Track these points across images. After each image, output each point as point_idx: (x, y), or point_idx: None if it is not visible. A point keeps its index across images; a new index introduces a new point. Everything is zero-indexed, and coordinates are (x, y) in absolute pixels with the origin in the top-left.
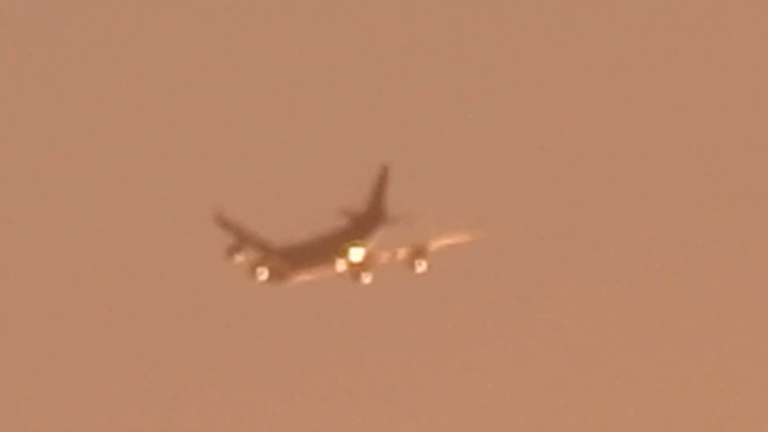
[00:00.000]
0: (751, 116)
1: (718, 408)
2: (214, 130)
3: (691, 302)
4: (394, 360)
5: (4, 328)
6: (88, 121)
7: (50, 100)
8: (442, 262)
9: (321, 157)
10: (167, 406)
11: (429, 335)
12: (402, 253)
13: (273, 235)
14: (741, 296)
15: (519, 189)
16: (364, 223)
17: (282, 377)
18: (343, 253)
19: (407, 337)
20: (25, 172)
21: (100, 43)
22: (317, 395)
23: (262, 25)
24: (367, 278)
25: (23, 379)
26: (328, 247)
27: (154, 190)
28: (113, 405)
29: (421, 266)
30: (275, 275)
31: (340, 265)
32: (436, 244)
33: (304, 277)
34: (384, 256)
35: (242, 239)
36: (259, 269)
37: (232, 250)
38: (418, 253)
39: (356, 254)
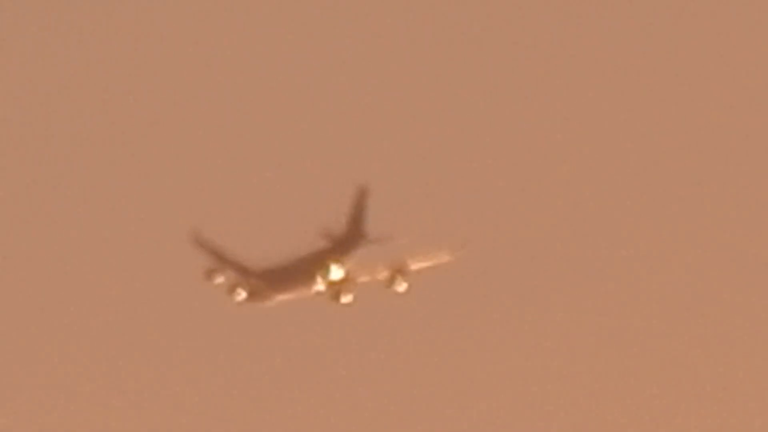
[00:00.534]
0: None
1: (710, 406)
2: (190, 151)
3: (679, 322)
4: (374, 379)
5: None
6: (63, 139)
7: (22, 115)
8: (423, 281)
9: (300, 177)
10: (145, 427)
11: (409, 354)
12: (382, 272)
13: (251, 255)
14: (723, 310)
15: (500, 209)
16: (344, 243)
17: (262, 397)
18: (323, 273)
19: (387, 357)
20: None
21: (72, 59)
22: (297, 415)
23: (238, 46)
24: (346, 298)
25: None
26: (307, 267)
27: (131, 212)
28: (90, 428)
29: (402, 286)
30: (254, 295)
31: (320, 285)
32: (416, 264)
33: (283, 297)
34: (364, 276)
35: (220, 260)
36: (238, 290)
37: (210, 272)
38: (398, 272)
39: (335, 273)
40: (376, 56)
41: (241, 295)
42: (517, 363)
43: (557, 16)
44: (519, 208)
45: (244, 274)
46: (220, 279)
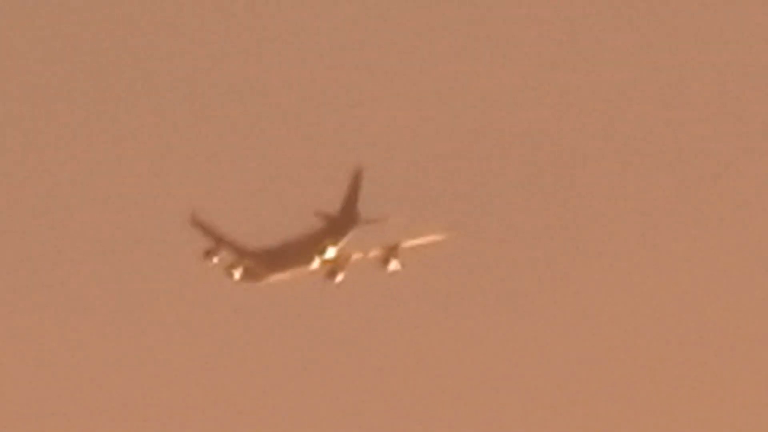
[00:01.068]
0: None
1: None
2: (188, 134)
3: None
4: (368, 355)
5: None
6: (64, 123)
7: (26, 103)
8: (415, 260)
9: (295, 158)
10: (143, 402)
11: (401, 332)
12: (375, 252)
13: (247, 235)
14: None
15: (492, 190)
16: (338, 222)
17: (258, 374)
18: (317, 252)
19: (380, 334)
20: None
21: (72, 50)
22: (291, 390)
23: (237, 30)
24: (340, 276)
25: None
26: (302, 247)
27: (131, 194)
28: (90, 401)
29: (394, 265)
30: (249, 275)
31: (314, 264)
32: (409, 244)
33: (278, 277)
34: (357, 255)
35: (217, 240)
36: (234, 269)
37: (208, 252)
38: (391, 252)
39: (329, 252)
40: (369, 43)
41: (237, 274)
42: (508, 341)
43: (550, 13)
44: (511, 190)
45: (241, 254)
46: (216, 258)
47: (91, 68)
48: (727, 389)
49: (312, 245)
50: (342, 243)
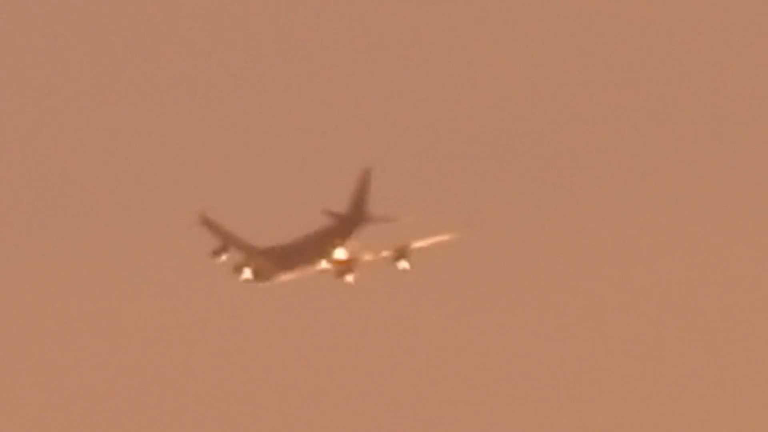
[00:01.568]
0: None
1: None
2: (198, 132)
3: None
4: (377, 356)
5: None
6: (72, 123)
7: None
8: (425, 261)
9: (304, 158)
10: (150, 401)
11: (411, 332)
12: (385, 252)
13: (257, 235)
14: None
15: (502, 190)
16: (348, 223)
17: (266, 373)
18: (327, 252)
19: (390, 334)
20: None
21: (81, 50)
22: (299, 390)
23: (241, 26)
24: (350, 277)
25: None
26: (312, 247)
27: (140, 192)
28: (96, 399)
29: (404, 265)
30: (259, 274)
31: (324, 264)
32: (418, 244)
33: (287, 276)
34: (367, 256)
35: (227, 240)
36: (243, 269)
37: (216, 251)
38: (401, 252)
39: (339, 253)
40: (378, 44)
41: (246, 273)
42: (518, 340)
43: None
44: (521, 190)
45: (250, 253)
46: (225, 258)
47: (101, 65)
48: (728, 388)
49: (321, 244)
50: (351, 242)
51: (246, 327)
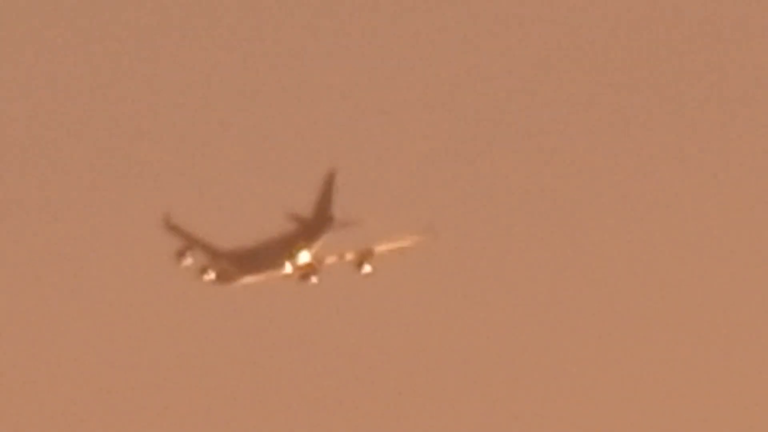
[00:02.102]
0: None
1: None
2: (161, 133)
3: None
4: (340, 359)
5: None
6: (38, 126)
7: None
8: (388, 265)
9: (268, 161)
10: (114, 407)
11: (374, 335)
12: (348, 255)
13: (220, 238)
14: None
15: (464, 194)
16: (311, 226)
17: (229, 375)
18: (290, 255)
19: (352, 338)
20: None
21: (51, 51)
22: (263, 392)
23: (213, 30)
24: (313, 280)
25: None
26: (275, 250)
27: (103, 194)
28: (62, 408)
29: (367, 269)
30: (222, 277)
31: (287, 267)
32: (382, 248)
33: (251, 279)
34: (330, 259)
35: (190, 242)
36: (207, 271)
37: (179, 253)
38: (365, 256)
39: (303, 256)
40: (344, 44)
41: (210, 276)
42: (482, 345)
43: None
44: (484, 193)
45: (213, 255)
46: (189, 260)
47: (75, 70)
48: (727, 389)
49: (285, 248)
50: (315, 246)
51: (209, 328)
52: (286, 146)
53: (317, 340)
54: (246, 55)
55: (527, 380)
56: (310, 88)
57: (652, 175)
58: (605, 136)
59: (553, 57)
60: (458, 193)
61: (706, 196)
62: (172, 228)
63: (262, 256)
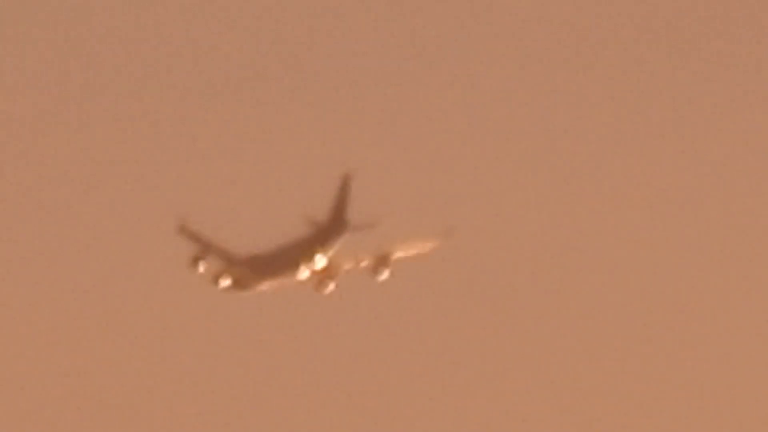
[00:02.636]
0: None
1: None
2: (177, 141)
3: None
4: (357, 365)
5: None
6: (53, 131)
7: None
8: (405, 270)
9: (284, 167)
10: (128, 409)
11: (391, 341)
12: (365, 261)
13: (236, 244)
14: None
15: (483, 199)
16: (328, 231)
17: (244, 382)
18: (306, 261)
19: (370, 344)
20: None
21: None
22: (278, 399)
23: (224, 38)
24: (330, 286)
25: None
26: (291, 256)
27: (119, 200)
28: (74, 407)
29: (384, 274)
30: (238, 283)
31: (303, 273)
32: (399, 253)
33: (266, 285)
34: (347, 265)
35: (205, 248)
36: (222, 277)
37: (195, 259)
38: (381, 261)
39: (319, 262)
40: (360, 48)
41: (226, 282)
42: (500, 350)
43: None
44: (502, 198)
45: (229, 262)
46: (204, 267)
47: (81, 73)
48: (727, 391)
49: (301, 253)
50: (331, 251)
51: (225, 335)
52: (302, 152)
53: (332, 348)
54: (265, 62)
55: (549, 385)
56: (326, 93)
57: (658, 175)
58: (622, 139)
59: (574, 62)
60: (477, 197)
61: (706, 196)
62: (188, 234)
63: (278, 262)
